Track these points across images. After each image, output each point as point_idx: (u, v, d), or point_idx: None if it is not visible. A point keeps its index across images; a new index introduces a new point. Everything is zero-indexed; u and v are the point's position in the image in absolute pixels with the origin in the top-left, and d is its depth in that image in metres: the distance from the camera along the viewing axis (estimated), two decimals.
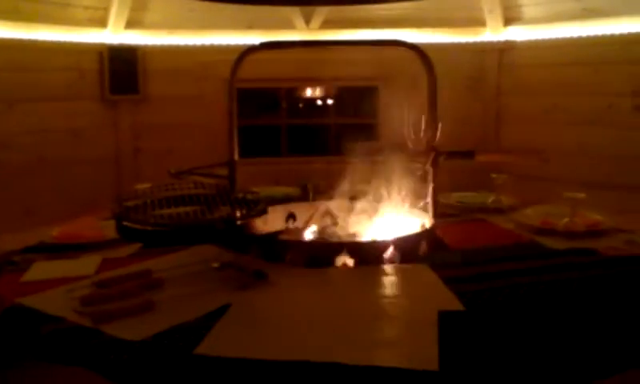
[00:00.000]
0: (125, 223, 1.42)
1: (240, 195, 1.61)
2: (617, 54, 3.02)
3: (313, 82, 3.78)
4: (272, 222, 1.83)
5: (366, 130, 3.56)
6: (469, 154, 1.77)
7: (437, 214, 1.76)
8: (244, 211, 1.49)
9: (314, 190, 2.36)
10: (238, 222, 1.45)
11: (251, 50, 1.77)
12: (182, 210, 1.49)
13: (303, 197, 2.33)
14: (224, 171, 1.83)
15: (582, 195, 1.81)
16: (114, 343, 1.13)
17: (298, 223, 1.88)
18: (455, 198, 2.22)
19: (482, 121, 3.57)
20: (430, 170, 1.75)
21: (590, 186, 2.86)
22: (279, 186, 2.73)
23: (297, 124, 3.67)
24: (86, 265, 1.56)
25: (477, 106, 3.57)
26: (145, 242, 1.63)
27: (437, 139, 1.75)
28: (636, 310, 1.45)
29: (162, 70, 3.44)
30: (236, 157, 1.76)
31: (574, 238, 1.75)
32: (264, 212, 1.54)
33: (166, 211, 1.48)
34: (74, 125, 3.30)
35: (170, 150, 3.35)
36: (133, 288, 1.35)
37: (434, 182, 1.76)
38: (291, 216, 1.93)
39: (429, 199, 1.77)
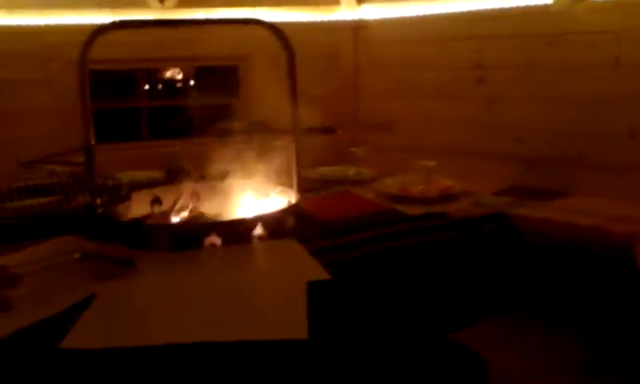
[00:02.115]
0: None
1: (100, 181, 1.55)
2: (461, 31, 3.23)
3: (170, 62, 3.67)
4: (136, 207, 1.78)
5: (229, 110, 3.53)
6: (330, 130, 1.83)
7: (301, 189, 1.81)
8: (105, 198, 1.44)
9: (179, 173, 2.33)
10: (99, 210, 1.40)
11: (102, 29, 1.70)
12: (36, 201, 1.41)
13: (168, 180, 2.29)
14: (80, 158, 1.75)
15: (432, 163, 1.94)
16: None
17: (164, 207, 1.84)
18: (318, 172, 2.28)
19: (341, 97, 3.67)
20: (293, 146, 1.79)
21: (439, 154, 3.07)
22: (142, 170, 2.65)
23: (156, 106, 3.55)
24: None
25: (335, 83, 3.66)
26: None
27: (298, 116, 1.79)
28: (483, 266, 1.60)
29: (1, 52, 3.18)
30: (92, 141, 1.68)
31: (429, 204, 1.88)
32: (127, 197, 1.50)
33: (18, 204, 1.39)
34: None
35: (14, 139, 3.11)
36: None
37: (297, 157, 1.80)
38: (156, 200, 1.89)
39: (293, 175, 1.80)
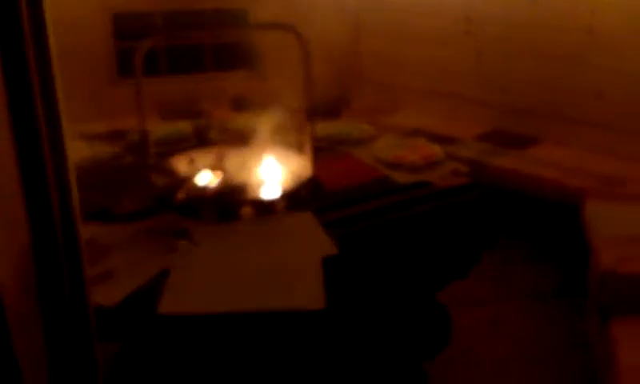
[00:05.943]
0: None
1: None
2: None
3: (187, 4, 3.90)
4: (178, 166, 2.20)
5: (240, 49, 3.83)
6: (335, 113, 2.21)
7: (313, 158, 2.20)
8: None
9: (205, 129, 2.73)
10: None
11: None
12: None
13: (196, 135, 2.70)
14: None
15: (421, 140, 2.34)
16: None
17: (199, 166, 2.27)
18: (325, 131, 2.64)
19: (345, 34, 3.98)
20: (307, 125, 2.16)
21: (427, 94, 3.46)
22: (167, 118, 3.03)
23: (175, 45, 3.81)
24: None
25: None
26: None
27: (312, 101, 2.15)
28: (462, 235, 2.04)
29: None
30: (147, 126, 2.06)
31: (417, 171, 2.29)
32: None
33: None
34: None
35: None
36: (89, 256, 1.70)
37: (310, 136, 2.17)
38: (192, 162, 2.32)
39: (307, 150, 2.18)
